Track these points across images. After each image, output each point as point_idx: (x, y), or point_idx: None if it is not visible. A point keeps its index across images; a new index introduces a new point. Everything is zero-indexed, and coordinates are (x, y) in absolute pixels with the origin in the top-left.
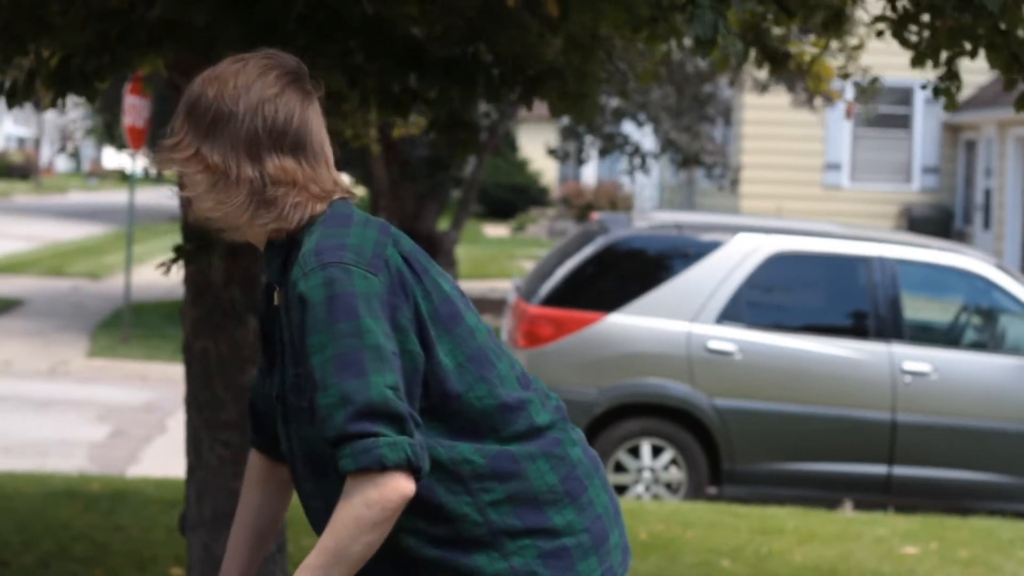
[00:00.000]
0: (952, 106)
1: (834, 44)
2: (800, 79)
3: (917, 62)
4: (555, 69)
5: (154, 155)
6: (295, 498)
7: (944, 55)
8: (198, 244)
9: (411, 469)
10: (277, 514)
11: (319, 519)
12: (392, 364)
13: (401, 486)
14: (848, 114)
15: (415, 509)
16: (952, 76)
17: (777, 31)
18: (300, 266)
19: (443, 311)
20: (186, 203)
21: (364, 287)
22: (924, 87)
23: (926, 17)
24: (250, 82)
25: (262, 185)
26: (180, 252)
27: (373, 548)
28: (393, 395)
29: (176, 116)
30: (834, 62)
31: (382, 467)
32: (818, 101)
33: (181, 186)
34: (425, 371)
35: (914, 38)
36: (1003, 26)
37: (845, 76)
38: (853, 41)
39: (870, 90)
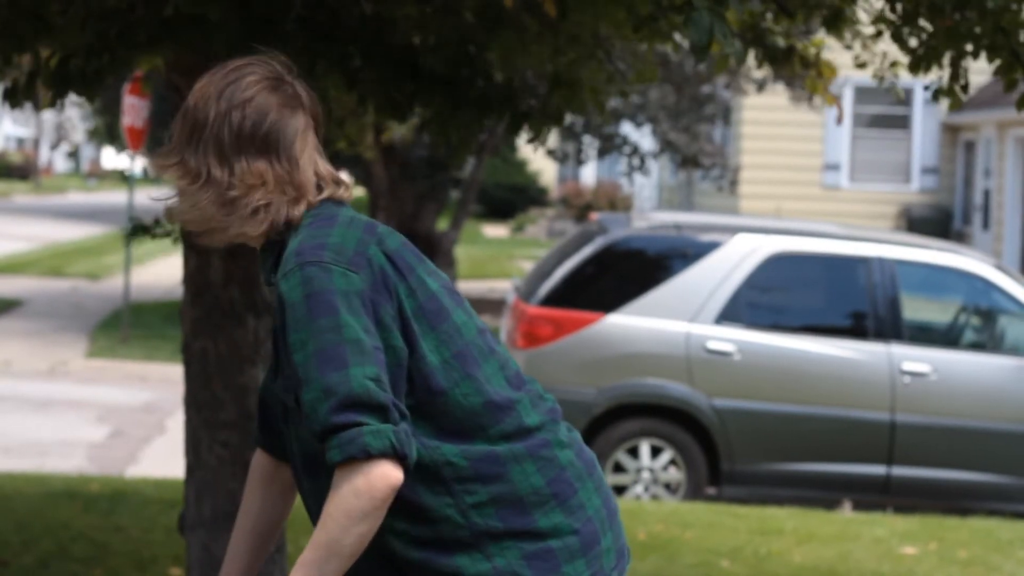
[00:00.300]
0: (956, 104)
1: (847, 34)
2: (800, 77)
3: (914, 67)
4: (544, 105)
5: (151, 163)
6: (296, 499)
7: (947, 56)
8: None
9: (397, 456)
10: (279, 517)
11: (316, 518)
12: (373, 357)
13: (388, 474)
14: (839, 119)
15: (399, 510)
16: (957, 77)
17: (777, 30)
18: (282, 267)
19: (428, 308)
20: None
21: (343, 284)
22: (927, 88)
23: (925, 20)
24: (222, 88)
25: (228, 187)
26: (139, 231)
27: (365, 540)
28: (374, 386)
29: (173, 124)
30: (849, 53)
31: (367, 455)
32: (818, 100)
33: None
34: (410, 367)
35: (913, 41)
36: (1003, 23)
37: (862, 65)
38: (869, 30)
39: (890, 74)
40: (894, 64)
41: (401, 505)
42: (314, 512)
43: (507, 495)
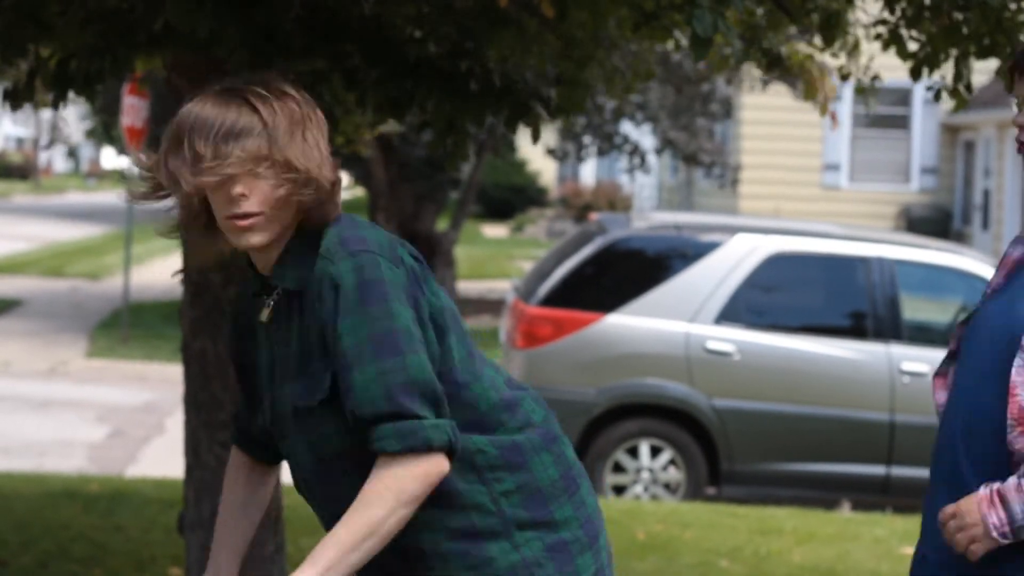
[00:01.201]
0: (961, 104)
1: (836, 43)
2: (800, 78)
3: (916, 72)
4: (541, 96)
5: (205, 166)
6: (296, 499)
7: (950, 58)
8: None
9: (452, 450)
10: (260, 508)
11: (331, 525)
12: (424, 348)
13: (443, 465)
14: (833, 123)
15: (431, 498)
16: (960, 78)
17: (772, 34)
18: (327, 257)
19: (446, 308)
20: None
21: (391, 276)
22: (929, 88)
23: (927, 21)
24: (295, 90)
25: (337, 183)
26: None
27: (401, 525)
28: (432, 376)
29: (214, 131)
30: (834, 61)
31: (429, 449)
32: (820, 97)
33: (241, 195)
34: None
35: (913, 46)
36: (1004, 23)
37: (844, 76)
38: (852, 39)
39: (870, 90)
40: (875, 77)
41: (435, 493)
42: (329, 518)
43: (530, 484)
